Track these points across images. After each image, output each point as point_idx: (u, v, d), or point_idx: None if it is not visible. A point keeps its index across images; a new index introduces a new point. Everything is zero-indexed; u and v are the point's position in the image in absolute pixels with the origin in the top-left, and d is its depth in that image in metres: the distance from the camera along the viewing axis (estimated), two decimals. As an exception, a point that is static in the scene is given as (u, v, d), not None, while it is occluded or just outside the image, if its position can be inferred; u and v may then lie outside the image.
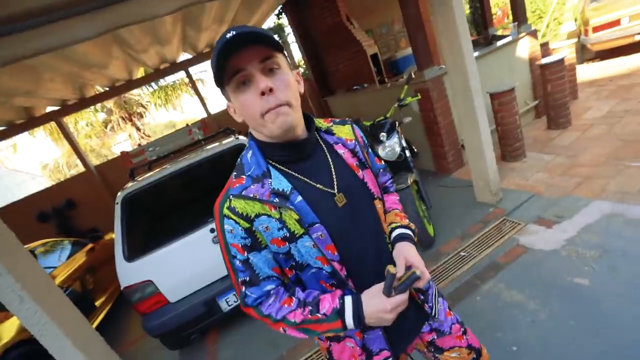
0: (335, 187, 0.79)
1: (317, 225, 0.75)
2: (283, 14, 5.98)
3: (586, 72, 5.41)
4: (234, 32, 0.65)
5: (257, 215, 0.73)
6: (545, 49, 4.26)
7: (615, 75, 4.75)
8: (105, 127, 11.23)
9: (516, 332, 1.71)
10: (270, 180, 0.75)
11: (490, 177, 2.74)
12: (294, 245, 0.75)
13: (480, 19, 5.27)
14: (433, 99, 3.36)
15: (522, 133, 3.36)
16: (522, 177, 3.10)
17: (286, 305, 0.77)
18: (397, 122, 2.75)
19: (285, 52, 0.75)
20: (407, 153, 2.71)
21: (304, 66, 6.88)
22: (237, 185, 0.75)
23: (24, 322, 1.66)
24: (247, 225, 0.74)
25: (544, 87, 3.65)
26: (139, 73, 5.92)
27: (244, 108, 0.71)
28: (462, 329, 1.03)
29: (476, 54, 3.75)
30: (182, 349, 2.77)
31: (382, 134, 2.64)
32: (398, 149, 2.66)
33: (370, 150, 0.98)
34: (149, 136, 11.42)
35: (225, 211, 0.74)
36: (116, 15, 1.44)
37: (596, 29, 5.40)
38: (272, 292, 0.78)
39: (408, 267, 0.81)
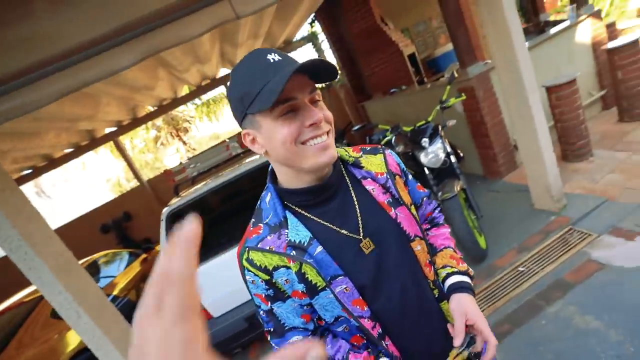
0: (361, 231, 0.69)
1: (340, 277, 0.66)
2: (316, 21, 6.00)
3: (664, 53, 4.68)
4: (279, 58, 0.59)
5: (276, 268, 0.67)
6: (611, 30, 3.76)
7: None
8: (156, 143, 12.15)
9: (596, 368, 1.46)
10: (287, 231, 0.67)
11: (550, 181, 2.43)
12: (316, 299, 0.67)
13: (530, 5, 4.82)
14: (479, 97, 3.10)
15: (588, 129, 2.96)
16: (589, 180, 2.72)
17: None
18: (440, 126, 2.56)
19: None
20: (453, 158, 2.51)
21: (340, 72, 6.82)
22: (254, 236, 0.69)
23: (82, 336, 1.77)
24: (266, 277, 0.67)
25: (612, 74, 3.20)
26: (183, 91, 6.29)
27: (285, 137, 0.61)
28: None
29: (527, 44, 3.42)
30: (227, 361, 2.81)
31: (424, 139, 2.47)
32: (442, 155, 2.47)
33: (410, 177, 0.85)
34: (194, 149, 12.11)
35: (244, 263, 0.69)
36: (153, 41, 1.49)
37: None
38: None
39: (468, 328, 0.68)
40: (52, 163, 6.06)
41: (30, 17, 1.34)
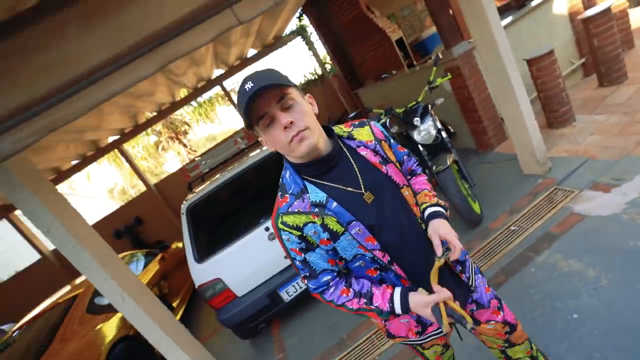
0: (362, 186, 0.90)
1: (354, 222, 0.88)
2: (304, 15, 6.11)
3: (643, 15, 4.84)
4: (252, 85, 0.78)
5: (305, 224, 0.88)
6: None
7: (679, 14, 4.21)
8: (157, 148, 12.31)
9: (577, 301, 1.68)
10: (308, 195, 0.89)
11: (534, 147, 2.64)
12: (338, 243, 0.89)
13: (510, -19, 4.94)
14: (465, 75, 3.28)
15: (569, 96, 3.16)
16: (572, 143, 2.93)
17: (344, 295, 0.94)
18: (429, 105, 2.75)
19: (296, 85, 0.88)
20: (443, 134, 2.71)
21: (330, 63, 6.96)
22: (284, 204, 0.90)
23: (128, 317, 2.01)
24: (298, 233, 0.89)
25: (589, 42, 3.38)
26: (181, 94, 6.44)
27: (274, 141, 0.85)
28: (499, 305, 1.10)
29: (509, 19, 3.59)
30: (253, 339, 3.06)
31: (416, 118, 2.66)
32: (433, 132, 2.67)
33: (392, 141, 1.06)
34: (195, 151, 12.29)
35: (280, 225, 0.90)
36: (168, 51, 1.68)
37: (649, -34, 4.80)
38: (330, 283, 0.94)
39: (443, 242, 0.91)
40: (60, 176, 6.25)
41: (62, 41, 1.53)
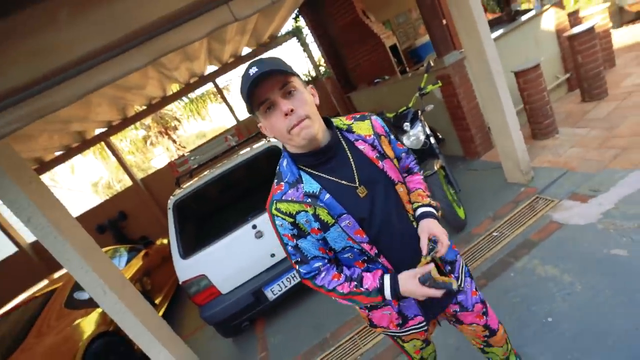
0: (357, 180, 0.92)
1: (344, 215, 0.90)
2: (300, 16, 6.14)
3: (625, 36, 5.05)
4: (256, 69, 0.78)
5: (297, 212, 0.90)
6: (575, 17, 4.07)
7: (658, 37, 4.42)
8: (145, 143, 12.11)
9: (551, 305, 1.75)
10: (302, 185, 0.90)
11: (519, 156, 2.73)
12: (328, 233, 0.91)
13: (502, -5, 5.10)
14: (455, 84, 3.36)
15: (552, 109, 3.27)
16: (554, 154, 3.03)
17: (335, 279, 0.95)
18: (419, 111, 2.81)
19: (299, 74, 0.87)
20: (432, 140, 2.77)
21: (324, 65, 7.00)
22: (278, 191, 0.92)
23: (108, 311, 1.97)
24: (291, 220, 0.91)
25: (573, 58, 3.51)
26: (172, 89, 6.37)
27: (273, 128, 0.85)
28: (484, 310, 1.13)
29: (500, 31, 3.70)
30: (235, 337, 3.04)
31: (406, 123, 2.71)
32: (422, 137, 2.72)
33: (392, 137, 1.06)
34: (184, 147, 12.15)
35: (274, 211, 0.92)
36: (160, 44, 1.68)
37: (633, -11, 5.03)
38: (322, 268, 0.95)
39: (432, 240, 0.93)
40: (43, 167, 6.07)
41: (52, 26, 1.51)
